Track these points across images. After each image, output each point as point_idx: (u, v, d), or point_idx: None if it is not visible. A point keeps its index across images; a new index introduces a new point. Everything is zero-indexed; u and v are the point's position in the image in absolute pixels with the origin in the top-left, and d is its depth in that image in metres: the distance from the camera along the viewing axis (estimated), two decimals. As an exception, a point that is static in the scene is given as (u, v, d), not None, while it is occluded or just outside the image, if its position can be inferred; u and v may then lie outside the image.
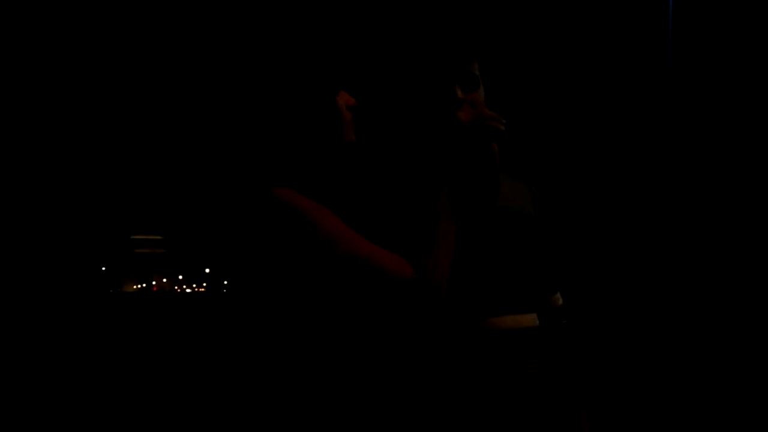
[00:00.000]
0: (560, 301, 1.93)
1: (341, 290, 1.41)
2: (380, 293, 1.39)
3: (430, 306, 1.42)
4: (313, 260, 1.40)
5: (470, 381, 1.63)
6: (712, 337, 11.84)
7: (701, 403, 6.51)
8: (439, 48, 1.66)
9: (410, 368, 1.52)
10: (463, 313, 1.67)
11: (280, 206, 1.43)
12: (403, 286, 1.39)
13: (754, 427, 5.85)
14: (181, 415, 6.44)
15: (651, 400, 6.78)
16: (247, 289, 1.50)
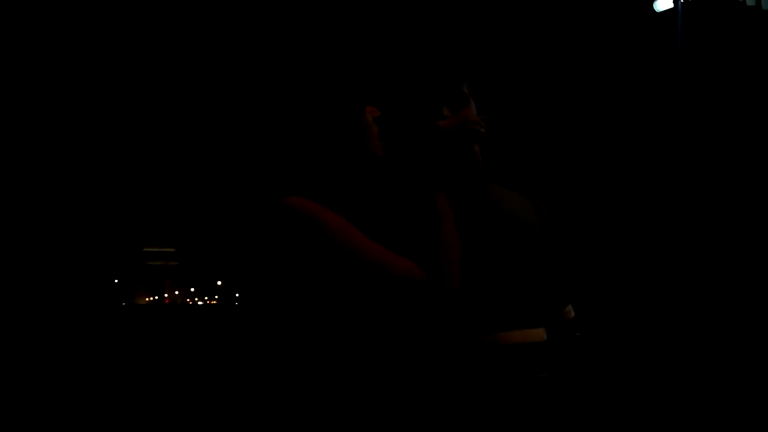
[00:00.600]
0: (572, 314, 1.93)
1: (356, 296, 1.43)
2: (396, 297, 1.40)
3: (446, 306, 1.43)
4: (327, 266, 1.42)
5: (478, 395, 1.64)
6: (723, 344, 11.77)
7: (716, 413, 6.51)
8: (430, 71, 1.76)
9: (424, 376, 1.53)
10: (471, 328, 1.67)
11: (295, 214, 1.46)
12: (419, 288, 1.40)
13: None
14: (193, 426, 6.49)
15: (665, 408, 6.78)
16: (262, 295, 1.56)
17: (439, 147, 1.62)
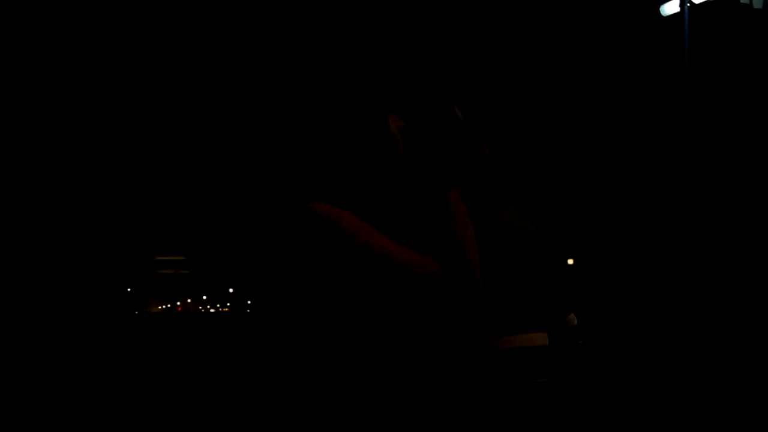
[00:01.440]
0: (575, 321, 1.97)
1: (380, 296, 1.44)
2: (421, 297, 1.41)
3: (469, 306, 1.44)
4: (351, 268, 1.44)
5: (480, 397, 1.66)
6: (726, 350, 11.76)
7: (716, 418, 6.55)
8: (415, 88, 1.81)
9: (434, 377, 1.53)
10: (475, 331, 1.68)
11: (319, 219, 1.48)
12: (444, 287, 1.41)
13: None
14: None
15: (666, 414, 6.82)
16: (284, 298, 1.58)
17: (447, 146, 1.63)
